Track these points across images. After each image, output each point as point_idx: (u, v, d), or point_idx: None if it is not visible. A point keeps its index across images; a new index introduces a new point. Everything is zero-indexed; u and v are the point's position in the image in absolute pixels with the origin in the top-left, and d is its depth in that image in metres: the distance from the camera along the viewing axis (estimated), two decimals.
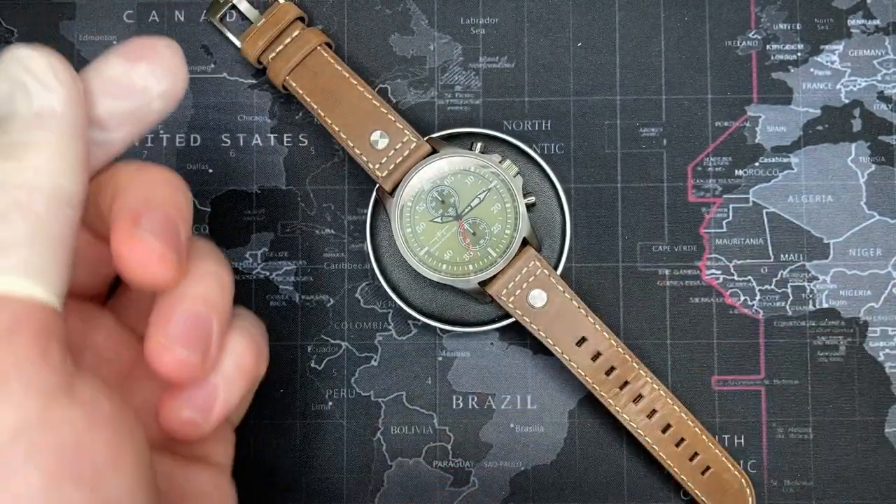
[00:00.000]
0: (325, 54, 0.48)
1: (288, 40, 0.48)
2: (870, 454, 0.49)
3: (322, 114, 0.48)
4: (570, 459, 0.49)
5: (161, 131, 0.51)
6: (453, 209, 0.47)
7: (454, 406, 0.50)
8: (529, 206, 0.48)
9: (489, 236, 0.47)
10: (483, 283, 0.47)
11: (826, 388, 0.49)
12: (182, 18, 0.51)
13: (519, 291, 0.47)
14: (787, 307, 0.50)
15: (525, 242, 0.47)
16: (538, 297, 0.47)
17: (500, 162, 0.47)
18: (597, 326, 0.47)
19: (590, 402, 0.49)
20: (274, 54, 0.48)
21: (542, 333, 0.47)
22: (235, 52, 0.51)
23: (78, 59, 0.51)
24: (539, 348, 0.50)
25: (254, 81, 0.51)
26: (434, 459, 0.50)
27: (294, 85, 0.48)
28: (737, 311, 0.50)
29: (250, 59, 0.49)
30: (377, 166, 0.47)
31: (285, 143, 0.51)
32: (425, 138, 0.48)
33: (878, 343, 0.50)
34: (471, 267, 0.47)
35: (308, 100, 0.48)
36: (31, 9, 0.51)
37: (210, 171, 0.50)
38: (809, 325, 0.50)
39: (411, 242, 0.47)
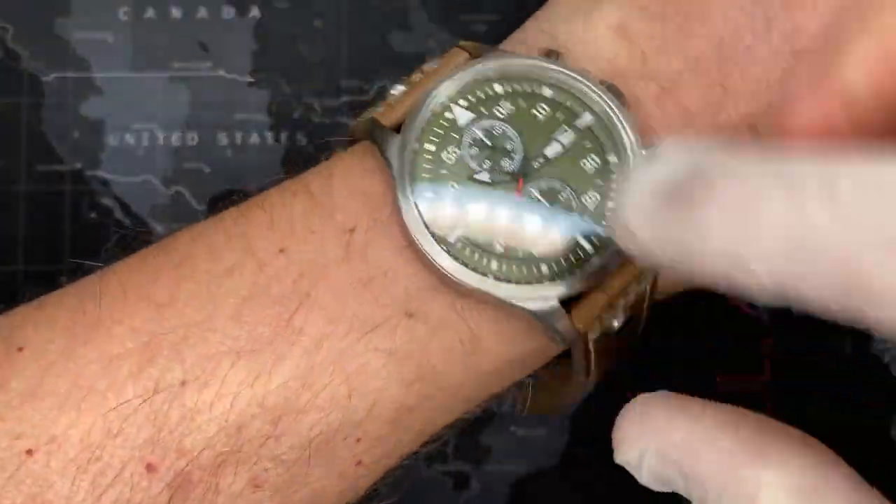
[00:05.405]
0: None
1: None
2: (875, 457, 0.49)
3: None
4: (572, 462, 0.49)
5: (156, 130, 0.50)
6: (511, 161, 0.29)
7: None
8: None
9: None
10: (567, 303, 0.28)
11: (830, 389, 0.49)
12: (178, 15, 0.51)
13: (608, 313, 0.29)
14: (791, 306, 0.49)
15: None
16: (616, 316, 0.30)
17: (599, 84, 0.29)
18: None
19: (592, 404, 0.49)
20: None
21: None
22: (233, 49, 0.50)
23: (73, 58, 0.50)
24: None
25: (251, 79, 0.50)
26: (433, 462, 0.49)
27: None
28: (740, 311, 0.49)
29: None
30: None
31: (283, 142, 0.50)
32: (459, 43, 0.32)
33: (884, 344, 0.49)
34: (545, 268, 0.28)
35: None
36: (25, 5, 0.51)
37: (207, 170, 0.50)
38: (814, 324, 0.49)
39: (434, 218, 0.28)
